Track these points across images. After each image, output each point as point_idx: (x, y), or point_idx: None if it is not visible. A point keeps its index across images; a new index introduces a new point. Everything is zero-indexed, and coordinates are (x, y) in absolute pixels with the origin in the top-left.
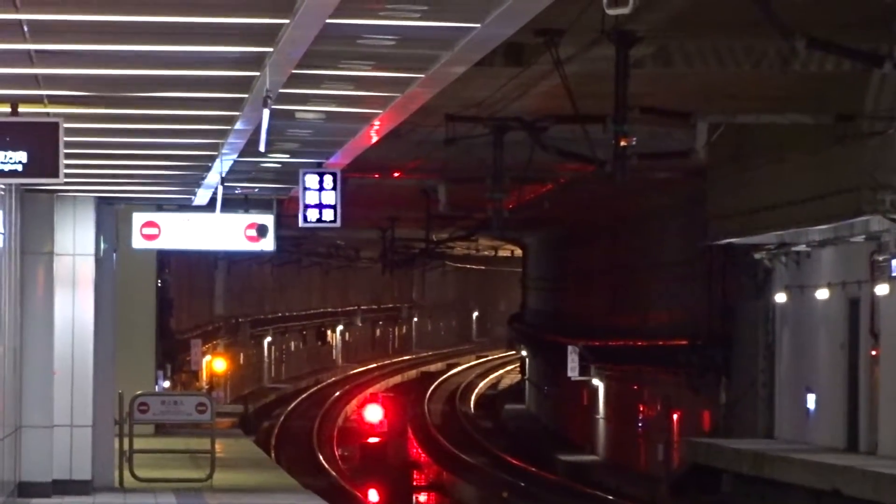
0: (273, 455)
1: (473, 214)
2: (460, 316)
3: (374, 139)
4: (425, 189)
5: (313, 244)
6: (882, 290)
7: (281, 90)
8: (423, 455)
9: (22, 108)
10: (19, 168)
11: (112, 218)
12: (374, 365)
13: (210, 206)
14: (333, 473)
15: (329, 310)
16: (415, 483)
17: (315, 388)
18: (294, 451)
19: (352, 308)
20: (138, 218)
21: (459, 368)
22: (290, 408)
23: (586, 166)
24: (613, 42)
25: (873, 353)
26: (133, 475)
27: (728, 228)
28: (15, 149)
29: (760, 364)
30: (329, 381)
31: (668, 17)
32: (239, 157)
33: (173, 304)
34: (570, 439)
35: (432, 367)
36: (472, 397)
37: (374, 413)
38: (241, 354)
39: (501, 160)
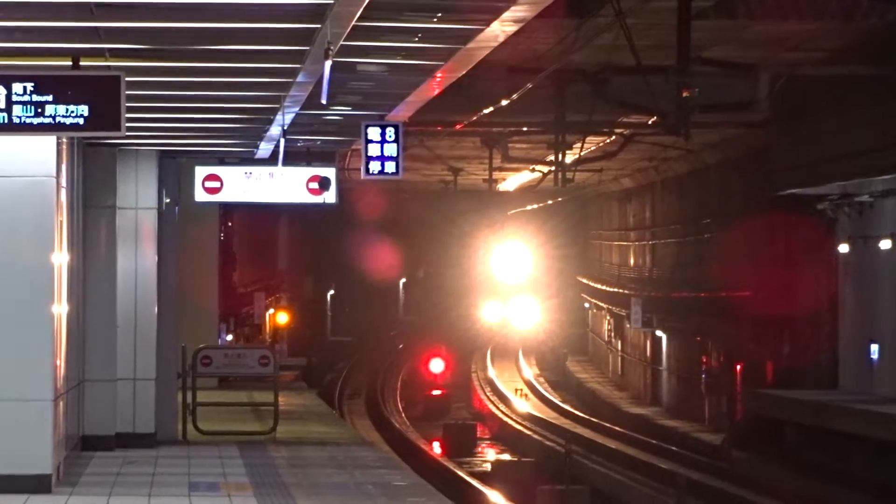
0: (337, 408)
1: (535, 167)
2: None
3: (437, 91)
4: (487, 141)
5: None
6: None
7: (343, 43)
8: (486, 406)
9: (83, 62)
10: (81, 121)
11: (174, 171)
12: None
13: (272, 160)
14: (397, 426)
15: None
16: (478, 435)
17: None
18: (358, 404)
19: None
20: (200, 171)
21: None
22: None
23: (648, 118)
24: None
25: None
26: (196, 428)
27: (791, 179)
28: (77, 102)
29: (824, 315)
30: (391, 333)
31: None
32: (301, 109)
33: (236, 258)
34: (634, 390)
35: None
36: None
37: (436, 365)
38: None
39: (563, 112)
